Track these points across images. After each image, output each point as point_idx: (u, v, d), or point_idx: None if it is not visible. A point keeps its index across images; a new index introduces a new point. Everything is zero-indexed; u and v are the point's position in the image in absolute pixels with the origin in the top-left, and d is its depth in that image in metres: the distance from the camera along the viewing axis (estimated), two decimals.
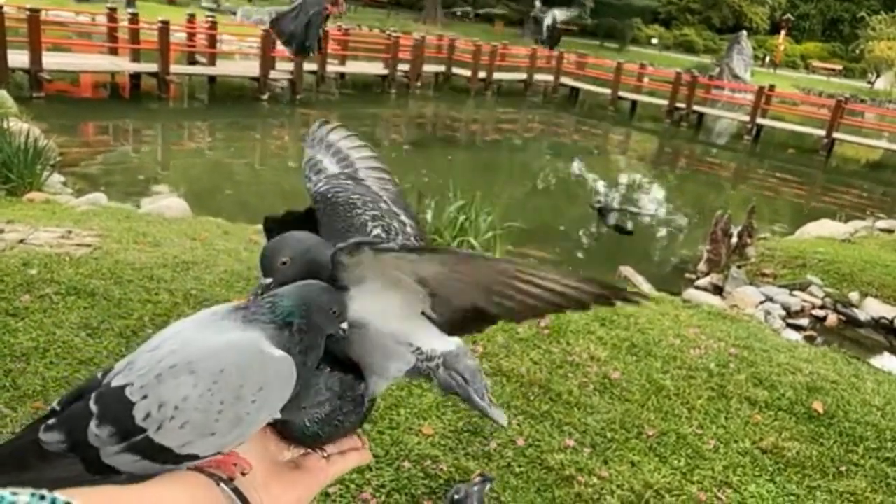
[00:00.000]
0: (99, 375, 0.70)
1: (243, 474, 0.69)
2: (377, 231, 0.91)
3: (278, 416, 0.72)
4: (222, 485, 0.67)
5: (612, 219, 2.53)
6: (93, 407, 0.65)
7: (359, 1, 38.93)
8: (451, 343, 0.86)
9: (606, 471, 2.69)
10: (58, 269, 3.71)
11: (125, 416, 0.64)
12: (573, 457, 2.75)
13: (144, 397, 0.64)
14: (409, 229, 0.98)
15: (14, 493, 0.45)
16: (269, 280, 0.76)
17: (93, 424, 0.64)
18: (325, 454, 0.78)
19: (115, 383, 0.66)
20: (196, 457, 0.66)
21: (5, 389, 2.64)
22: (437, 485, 2.48)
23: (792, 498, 2.73)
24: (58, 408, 0.69)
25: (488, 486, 2.38)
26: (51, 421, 0.67)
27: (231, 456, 0.69)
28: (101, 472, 0.65)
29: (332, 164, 1.05)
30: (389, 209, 0.99)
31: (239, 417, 0.65)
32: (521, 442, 2.79)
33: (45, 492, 0.47)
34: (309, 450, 0.77)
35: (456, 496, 2.28)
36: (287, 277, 0.76)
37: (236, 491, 0.67)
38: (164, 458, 0.65)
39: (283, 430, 0.75)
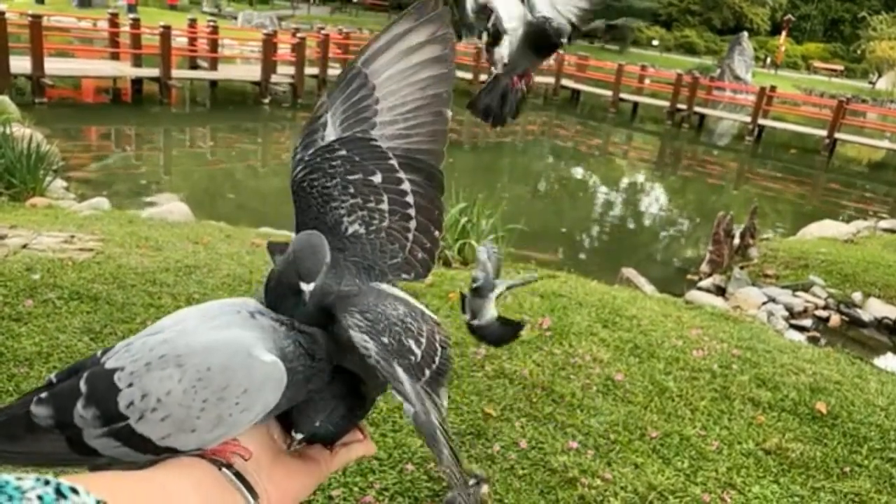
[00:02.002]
0: (98, 353, 0.70)
1: (245, 460, 0.69)
2: (354, 228, 0.83)
3: (299, 435, 0.73)
4: (224, 469, 0.67)
5: (489, 312, 1.86)
6: (82, 387, 0.65)
7: (359, 4, 39.01)
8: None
9: (610, 472, 2.69)
10: (60, 274, 3.71)
11: (110, 401, 0.64)
12: (576, 459, 2.75)
13: (130, 385, 0.64)
14: (409, 207, 0.87)
15: (19, 479, 0.45)
16: (312, 286, 0.71)
17: (79, 404, 0.65)
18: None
19: (108, 365, 0.66)
20: (175, 450, 0.65)
21: (9, 394, 2.64)
22: (441, 487, 2.48)
23: (796, 499, 2.73)
24: (54, 380, 0.69)
25: (484, 487, 2.37)
26: (43, 394, 0.67)
27: (230, 444, 0.68)
28: (84, 453, 0.65)
29: (338, 120, 0.89)
30: (384, 182, 0.86)
31: (221, 418, 0.65)
32: (524, 444, 2.79)
33: (49, 477, 0.47)
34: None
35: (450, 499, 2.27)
36: (322, 279, 0.73)
37: (239, 476, 0.67)
38: (144, 448, 0.65)
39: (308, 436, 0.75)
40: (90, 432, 0.64)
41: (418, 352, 0.75)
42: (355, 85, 0.90)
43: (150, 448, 0.65)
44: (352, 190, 0.84)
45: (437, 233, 0.89)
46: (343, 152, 0.86)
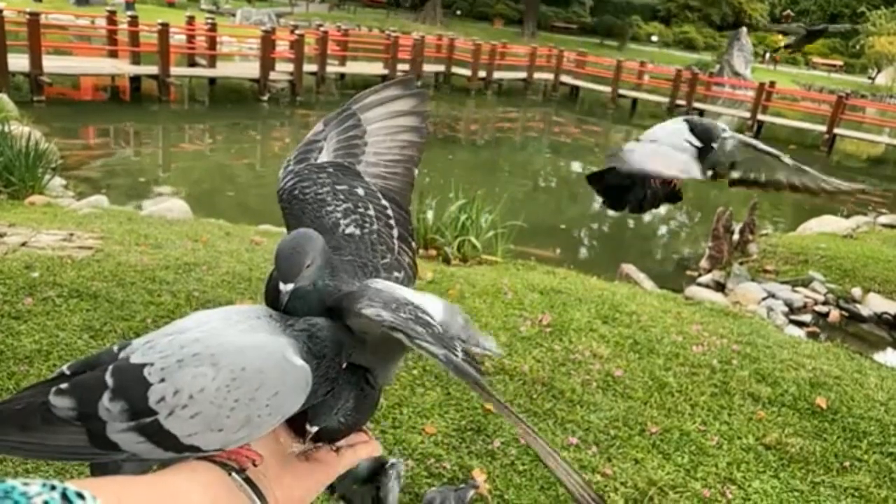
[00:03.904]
0: (115, 349, 0.69)
1: (255, 465, 0.69)
2: (350, 229, 0.89)
3: (314, 427, 0.73)
4: (234, 475, 0.67)
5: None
6: (108, 380, 0.65)
7: (358, 1, 38.94)
8: (439, 312, 0.85)
9: (610, 468, 2.69)
10: (60, 272, 3.71)
11: (139, 396, 0.64)
12: (577, 454, 2.75)
13: (162, 380, 0.64)
14: (390, 218, 0.95)
15: (25, 484, 0.45)
16: (290, 287, 0.72)
17: (105, 397, 0.64)
18: (335, 447, 0.78)
19: (134, 360, 0.66)
20: (198, 449, 0.65)
21: (9, 392, 2.65)
22: (441, 483, 2.48)
23: (796, 494, 2.73)
24: (67, 372, 0.69)
25: (472, 492, 2.33)
26: (63, 385, 0.66)
27: (243, 448, 0.69)
28: (103, 447, 0.65)
29: (332, 148, 1.00)
30: (367, 196, 0.95)
31: (249, 418, 0.65)
32: (524, 440, 2.79)
33: (55, 482, 0.47)
34: (319, 442, 0.78)
35: (434, 500, 2.23)
36: (308, 279, 0.74)
37: (248, 481, 0.67)
38: (168, 445, 0.64)
39: (319, 431, 0.75)
40: (114, 426, 0.64)
41: (437, 325, 0.76)
42: (350, 123, 1.03)
43: (173, 445, 0.64)
44: (342, 196, 0.92)
45: (413, 243, 0.98)
46: (331, 170, 0.96)
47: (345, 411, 0.76)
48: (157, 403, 0.63)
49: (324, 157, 0.98)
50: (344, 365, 0.74)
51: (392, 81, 1.08)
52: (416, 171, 1.05)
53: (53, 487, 0.46)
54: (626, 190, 1.59)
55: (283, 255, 0.72)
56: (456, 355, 0.74)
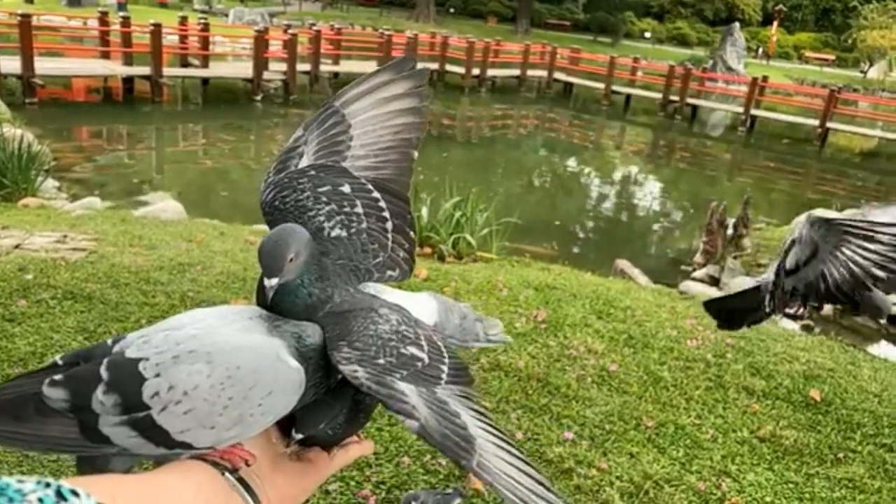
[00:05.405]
0: (109, 342, 0.69)
1: (247, 465, 0.69)
2: (336, 231, 0.86)
3: (299, 435, 0.73)
4: (227, 474, 0.67)
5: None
6: (103, 373, 0.65)
7: (351, 0, 38.88)
8: (433, 314, 0.85)
9: (605, 462, 2.70)
10: (54, 274, 3.70)
11: (133, 390, 0.64)
12: (572, 449, 2.76)
13: (157, 375, 0.64)
14: (383, 210, 0.91)
15: (20, 481, 0.45)
16: (275, 281, 0.71)
17: (100, 390, 0.64)
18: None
19: (129, 354, 0.66)
20: (190, 446, 0.65)
21: None
22: (437, 480, 2.49)
23: (790, 485, 2.74)
24: (60, 363, 0.69)
25: (458, 500, 2.25)
26: (58, 377, 0.66)
27: (236, 448, 0.69)
28: (94, 440, 0.64)
29: (312, 150, 0.96)
30: (354, 192, 0.91)
31: (241, 417, 0.65)
32: (519, 436, 2.80)
33: (50, 479, 0.47)
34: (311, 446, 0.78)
35: (413, 502, 2.20)
36: (293, 273, 0.73)
37: (241, 481, 0.67)
38: (159, 441, 0.64)
39: (307, 438, 0.75)
40: (107, 419, 0.64)
41: (424, 356, 0.75)
42: (332, 122, 0.98)
43: (165, 441, 0.64)
44: (324, 199, 0.88)
45: (411, 233, 0.94)
46: (312, 173, 0.91)
47: (334, 425, 0.75)
48: (151, 398, 0.63)
49: (305, 162, 0.94)
50: (340, 376, 0.74)
51: (383, 66, 1.02)
52: (416, 153, 1.00)
53: (48, 485, 0.46)
54: (746, 313, 1.79)
55: (264, 250, 0.72)
56: (440, 382, 0.74)
